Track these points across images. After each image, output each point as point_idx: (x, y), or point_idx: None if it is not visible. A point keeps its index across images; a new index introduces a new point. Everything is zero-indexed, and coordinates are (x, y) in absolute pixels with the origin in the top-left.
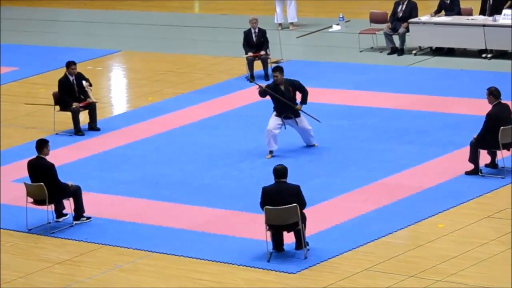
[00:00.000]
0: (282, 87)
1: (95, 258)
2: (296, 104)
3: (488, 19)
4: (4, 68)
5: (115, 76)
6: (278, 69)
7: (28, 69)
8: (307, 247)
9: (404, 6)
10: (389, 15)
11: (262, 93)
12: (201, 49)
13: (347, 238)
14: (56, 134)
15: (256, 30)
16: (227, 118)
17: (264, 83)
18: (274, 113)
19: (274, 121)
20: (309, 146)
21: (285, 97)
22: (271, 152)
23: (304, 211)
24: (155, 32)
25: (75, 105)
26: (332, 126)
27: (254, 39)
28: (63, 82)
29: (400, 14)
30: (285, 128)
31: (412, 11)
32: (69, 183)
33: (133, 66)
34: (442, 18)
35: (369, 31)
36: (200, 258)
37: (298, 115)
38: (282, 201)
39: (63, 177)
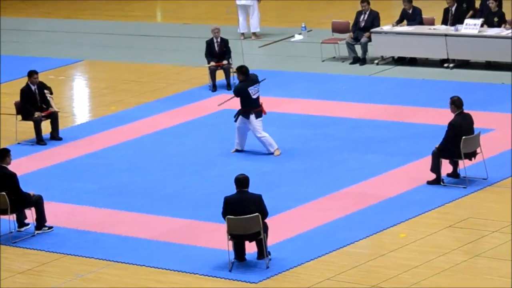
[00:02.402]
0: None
1: (57, 268)
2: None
3: (450, 29)
4: None
5: (77, 86)
6: (238, 69)
7: None
8: (269, 256)
9: (366, 15)
10: (351, 25)
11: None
12: (164, 58)
13: (309, 248)
14: (18, 143)
15: (219, 40)
16: (190, 127)
17: (226, 93)
18: None
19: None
20: (270, 153)
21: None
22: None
23: (267, 220)
24: (118, 41)
25: (37, 114)
26: (295, 135)
27: (217, 48)
28: (25, 92)
29: (362, 24)
30: (235, 121)
31: (374, 20)
32: (31, 192)
33: (95, 76)
34: (404, 28)
35: (331, 41)
36: (162, 268)
37: (246, 117)
38: (244, 211)
39: (25, 187)
